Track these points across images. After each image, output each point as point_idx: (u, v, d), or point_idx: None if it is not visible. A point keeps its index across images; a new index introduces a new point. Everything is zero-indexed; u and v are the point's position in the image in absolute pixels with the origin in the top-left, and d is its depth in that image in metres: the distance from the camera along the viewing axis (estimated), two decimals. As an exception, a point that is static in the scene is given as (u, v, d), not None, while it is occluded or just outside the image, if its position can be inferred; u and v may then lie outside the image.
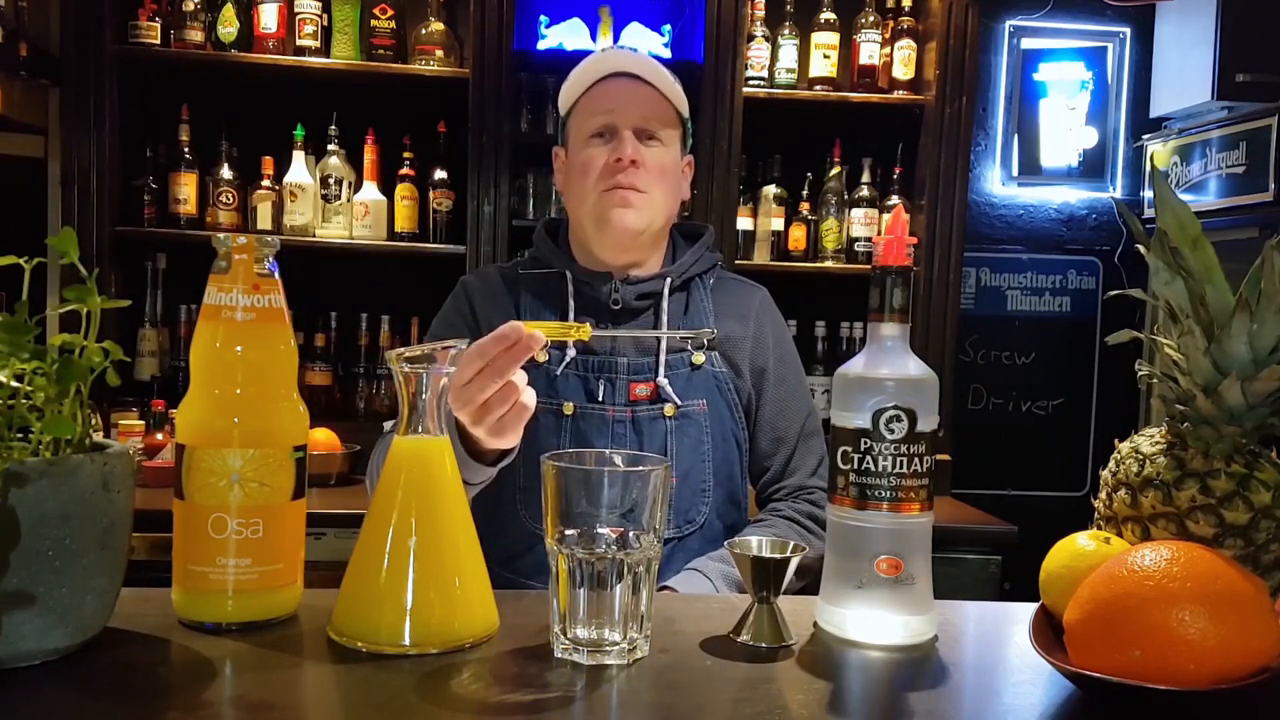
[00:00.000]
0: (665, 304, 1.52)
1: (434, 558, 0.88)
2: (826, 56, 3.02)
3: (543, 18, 3.11)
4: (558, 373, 1.47)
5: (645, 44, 3.09)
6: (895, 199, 3.06)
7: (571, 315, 1.51)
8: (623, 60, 1.50)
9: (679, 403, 1.47)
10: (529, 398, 1.11)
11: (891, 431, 0.91)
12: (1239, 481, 0.90)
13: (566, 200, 1.57)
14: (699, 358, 1.50)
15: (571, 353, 1.48)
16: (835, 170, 3.09)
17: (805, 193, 3.10)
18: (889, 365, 0.94)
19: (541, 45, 3.09)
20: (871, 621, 0.93)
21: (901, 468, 0.91)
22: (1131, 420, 3.45)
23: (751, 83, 2.97)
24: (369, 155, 2.92)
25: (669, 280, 1.53)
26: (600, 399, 1.47)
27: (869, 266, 0.98)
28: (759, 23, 2.99)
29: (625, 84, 1.50)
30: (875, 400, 0.92)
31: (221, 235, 0.91)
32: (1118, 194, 3.43)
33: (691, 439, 1.48)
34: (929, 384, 0.93)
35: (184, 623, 0.90)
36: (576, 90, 1.53)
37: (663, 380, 1.47)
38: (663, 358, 1.49)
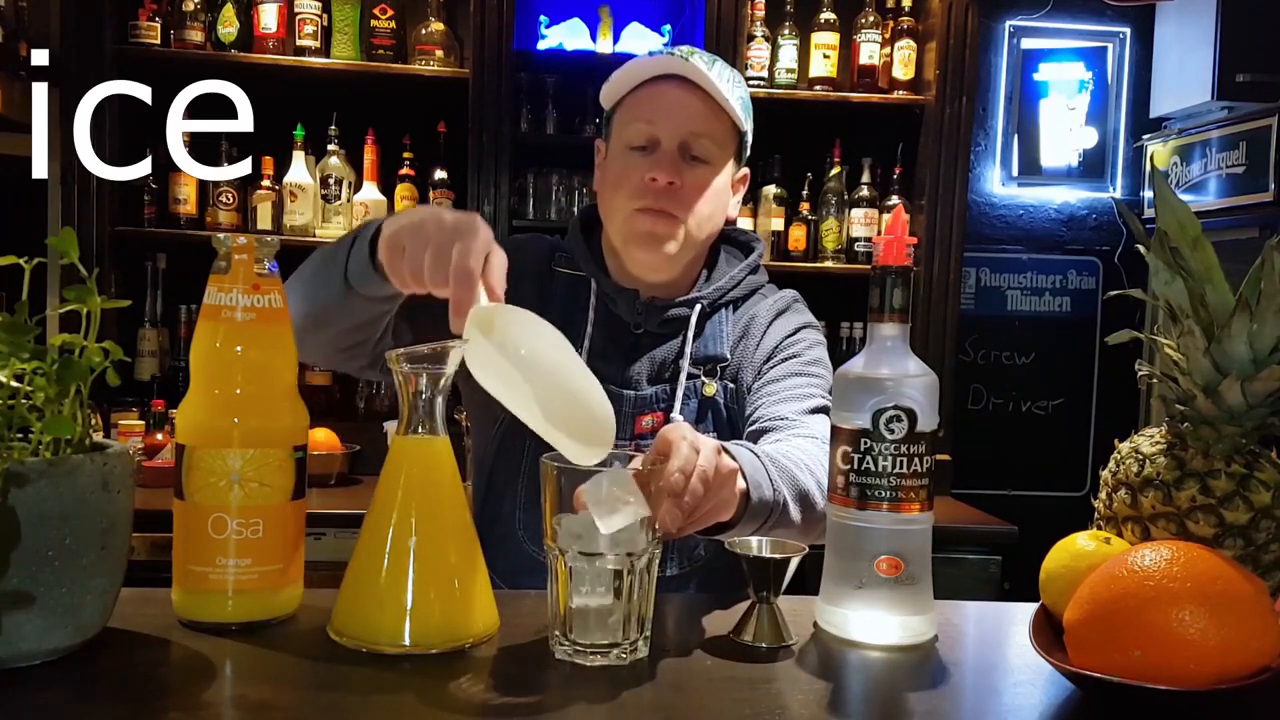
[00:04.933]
0: (690, 333, 1.38)
1: (434, 558, 0.88)
2: (826, 56, 3.02)
3: (543, 18, 3.11)
4: None
5: (645, 44, 3.08)
6: (895, 199, 3.06)
7: (589, 328, 1.39)
8: (678, 64, 1.33)
9: None
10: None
11: (891, 431, 0.91)
12: (1239, 481, 0.90)
13: (600, 202, 1.43)
14: (710, 389, 1.38)
15: None
16: (835, 170, 3.09)
17: (805, 193, 3.10)
18: (889, 365, 0.94)
19: (541, 45, 3.10)
20: (871, 621, 0.93)
21: (901, 468, 0.91)
22: (1131, 420, 3.45)
23: (751, 83, 2.97)
24: (369, 155, 2.92)
25: (699, 307, 1.39)
26: None
27: (869, 266, 0.98)
28: (759, 23, 2.99)
29: (677, 91, 1.33)
30: (875, 400, 0.92)
31: (221, 235, 0.91)
32: (1118, 194, 3.43)
33: None
34: (929, 384, 0.93)
35: (184, 623, 0.90)
36: (623, 87, 1.37)
37: (677, 415, 1.35)
38: (680, 390, 1.36)
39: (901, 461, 0.91)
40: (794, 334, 1.43)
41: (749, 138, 1.42)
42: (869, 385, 0.93)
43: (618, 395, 1.36)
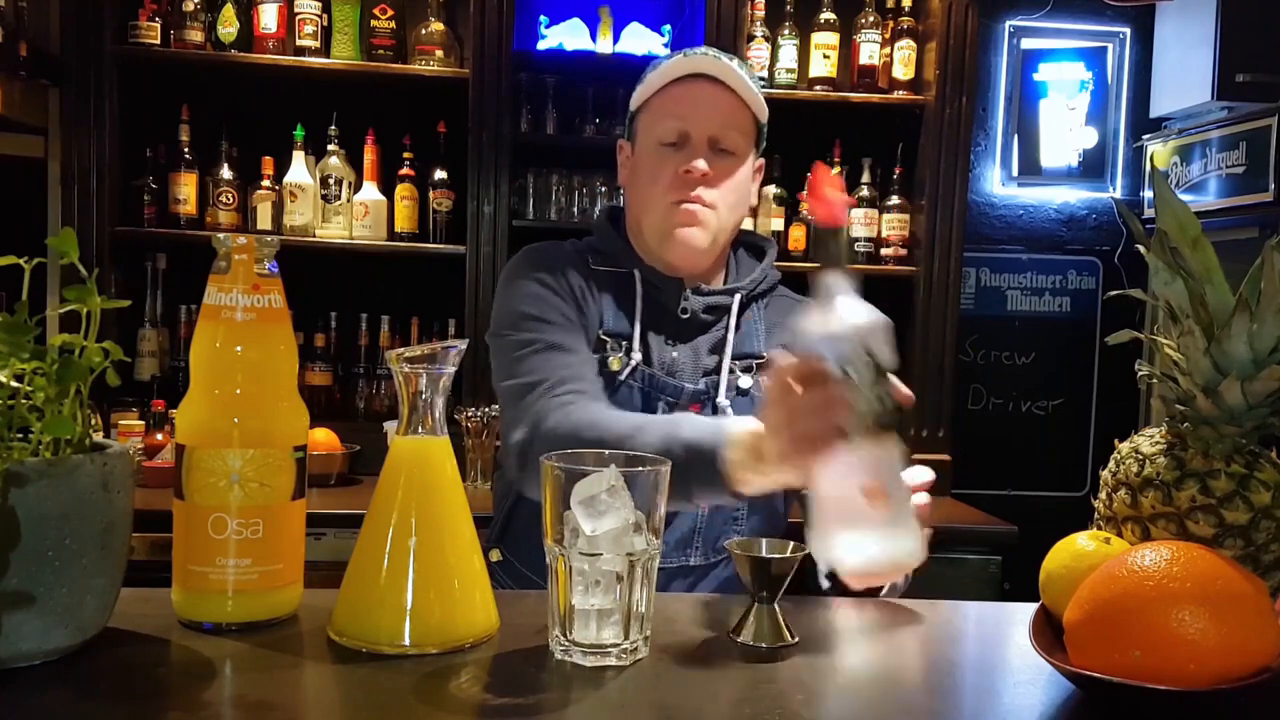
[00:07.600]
0: (733, 320, 1.46)
1: (434, 558, 0.88)
2: (826, 56, 3.02)
3: (543, 18, 3.11)
4: (621, 378, 1.40)
5: (645, 44, 3.09)
6: (895, 199, 3.06)
7: (638, 320, 1.44)
8: (705, 64, 1.42)
9: None
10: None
11: (859, 375, 0.98)
12: (1239, 481, 0.90)
13: (629, 199, 1.52)
14: (745, 382, 1.44)
15: (637, 357, 1.42)
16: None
17: (805, 193, 3.10)
18: (844, 316, 1.01)
19: (541, 45, 3.10)
20: (864, 546, 1.01)
21: (872, 406, 0.99)
22: (1131, 420, 3.45)
23: (751, 83, 2.97)
24: (369, 155, 2.92)
25: (739, 296, 1.47)
26: None
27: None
28: (759, 23, 2.99)
29: (704, 88, 1.42)
30: (839, 349, 0.99)
31: (221, 235, 0.91)
32: (1118, 194, 3.43)
33: None
34: (883, 326, 1.00)
35: (184, 623, 0.90)
36: (651, 88, 1.46)
37: (723, 400, 1.40)
38: (723, 380, 1.42)
39: (871, 400, 0.99)
40: None
41: (765, 128, 1.50)
42: (833, 339, 1.00)
43: (677, 388, 1.42)
